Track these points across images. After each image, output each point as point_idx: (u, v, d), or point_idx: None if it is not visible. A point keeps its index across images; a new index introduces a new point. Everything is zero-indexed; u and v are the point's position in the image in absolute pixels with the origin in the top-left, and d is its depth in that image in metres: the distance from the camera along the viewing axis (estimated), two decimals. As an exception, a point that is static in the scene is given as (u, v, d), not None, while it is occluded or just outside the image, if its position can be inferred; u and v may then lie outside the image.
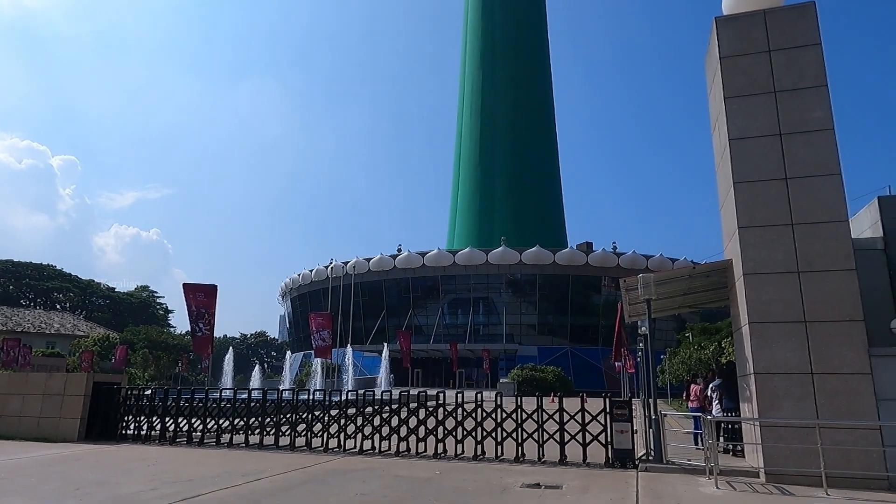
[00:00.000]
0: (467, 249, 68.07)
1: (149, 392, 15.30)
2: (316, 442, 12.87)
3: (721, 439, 11.60)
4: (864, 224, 11.65)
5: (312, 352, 33.32)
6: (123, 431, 14.37)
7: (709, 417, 10.15)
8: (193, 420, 14.01)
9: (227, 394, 15.08)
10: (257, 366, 55.85)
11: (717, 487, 8.79)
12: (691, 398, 14.52)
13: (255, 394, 14.60)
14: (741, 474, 9.74)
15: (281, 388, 21.04)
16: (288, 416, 13.56)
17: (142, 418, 14.38)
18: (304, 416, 13.43)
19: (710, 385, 13.16)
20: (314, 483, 9.07)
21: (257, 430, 13.55)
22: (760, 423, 9.50)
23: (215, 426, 13.86)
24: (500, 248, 65.67)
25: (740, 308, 10.35)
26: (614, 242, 74.70)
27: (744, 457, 11.36)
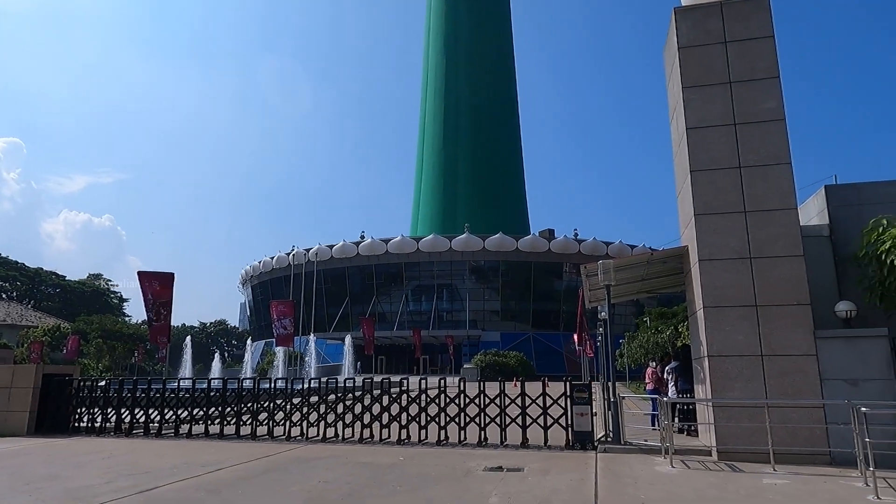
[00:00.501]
0: (431, 236, 68.06)
1: (103, 383, 14.84)
2: (278, 431, 12.74)
3: (676, 420, 11.98)
4: (812, 212, 12.11)
5: (274, 340, 32.89)
6: (76, 424, 13.93)
7: (664, 399, 10.46)
8: (151, 411, 13.68)
9: (186, 383, 14.76)
10: (217, 355, 54.80)
11: (672, 466, 9.09)
12: (647, 380, 14.97)
13: (214, 383, 14.33)
14: (695, 453, 10.10)
15: (241, 376, 20.72)
16: (249, 405, 13.37)
17: (96, 410, 13.96)
18: (265, 405, 13.27)
19: (666, 367, 13.58)
20: (276, 472, 8.99)
21: (217, 420, 13.33)
22: (713, 403, 9.84)
23: (174, 417, 13.57)
24: (463, 235, 65.89)
25: (695, 293, 10.66)
26: (575, 229, 75.95)
27: (698, 436, 11.78)
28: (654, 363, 15.12)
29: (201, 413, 13.45)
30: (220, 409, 13.40)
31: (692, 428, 12.26)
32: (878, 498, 7.02)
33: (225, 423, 13.15)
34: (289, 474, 8.80)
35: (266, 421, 12.90)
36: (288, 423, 12.65)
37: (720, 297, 10.08)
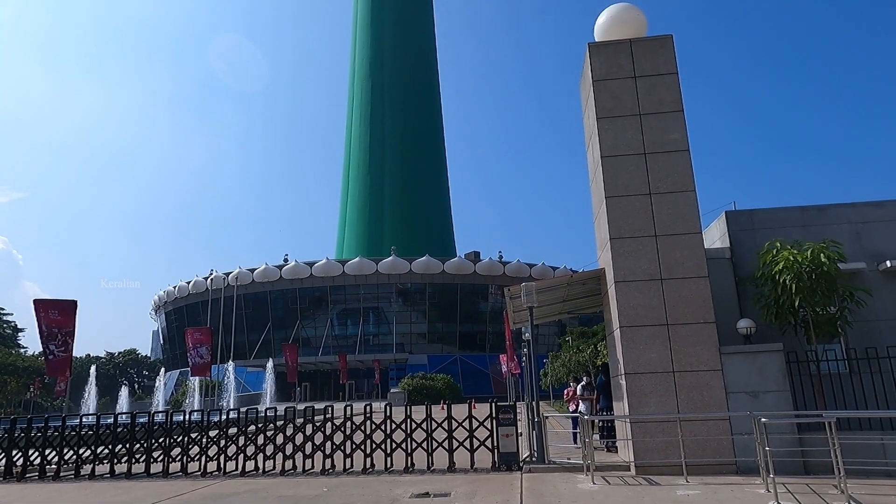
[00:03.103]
0: (357, 259, 67.34)
1: (-9, 423, 13.46)
2: (192, 467, 12.03)
3: (597, 437, 12.36)
4: (714, 236, 13.02)
5: (189, 369, 31.19)
6: (-42, 470, 12.52)
7: (587, 417, 10.78)
8: (48, 451, 12.53)
9: (90, 419, 13.65)
10: (125, 387, 51.15)
11: (594, 483, 9.35)
12: (567, 399, 15.43)
13: (122, 418, 13.35)
14: (615, 469, 10.44)
15: (153, 409, 19.45)
16: (160, 440, 12.55)
17: (-18, 453, 12.62)
18: (178, 440, 12.50)
19: (579, 385, 14.10)
20: (190, 511, 8.46)
21: (125, 458, 12.40)
22: (630, 419, 10.25)
23: (74, 457, 12.50)
24: (389, 258, 65.64)
25: (612, 313, 11.13)
26: (500, 252, 77.61)
27: (618, 452, 12.19)
28: (574, 384, 15.62)
29: (106, 451, 12.47)
30: (127, 445, 12.48)
31: (613, 444, 12.68)
32: (779, 503, 7.52)
33: (133, 460, 12.26)
34: (204, 513, 8.31)
35: (179, 457, 12.14)
36: (203, 457, 11.97)
37: (634, 316, 10.58)
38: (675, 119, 11.34)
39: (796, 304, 10.16)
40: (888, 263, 11.37)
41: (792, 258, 10.24)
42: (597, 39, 12.44)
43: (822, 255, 10.15)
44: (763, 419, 8.34)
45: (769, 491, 7.92)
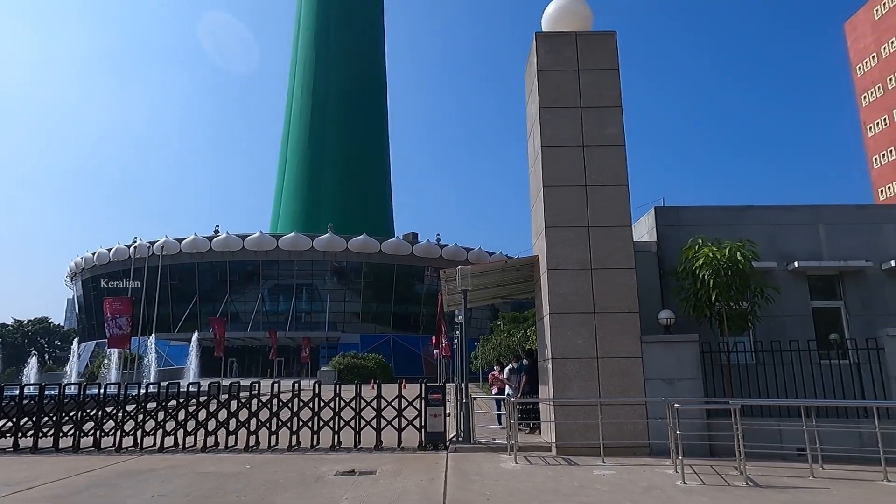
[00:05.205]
0: (292, 234, 65.84)
1: None
2: (107, 442, 11.51)
3: (518, 418, 12.74)
4: (643, 230, 13.57)
5: (107, 341, 29.67)
6: None
7: (512, 400, 11.08)
8: (-58, 423, 11.65)
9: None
10: (34, 357, 48.09)
11: (516, 462, 9.65)
12: (490, 382, 15.87)
13: (29, 389, 12.57)
14: (537, 449, 10.81)
15: (64, 381, 18.43)
16: (71, 413, 11.92)
17: None
18: (92, 414, 11.92)
19: (507, 368, 14.49)
20: (101, 487, 8.12)
21: (31, 433, 11.70)
22: (553, 402, 10.62)
23: (-27, 430, 11.68)
24: (326, 235, 64.56)
25: (543, 299, 11.43)
26: (438, 234, 77.95)
27: (541, 434, 12.61)
28: (498, 368, 16.09)
29: (10, 424, 11.73)
30: (34, 419, 11.78)
31: (537, 426, 13.11)
32: (685, 483, 8.03)
33: (40, 434, 11.60)
34: (117, 490, 7.99)
35: (92, 431, 11.59)
36: (119, 432, 11.48)
37: (564, 304, 10.91)
38: (613, 114, 11.66)
39: (713, 298, 10.78)
40: (796, 264, 12.24)
41: (711, 255, 10.83)
42: (544, 29, 12.57)
43: (738, 253, 10.80)
44: (676, 405, 8.85)
45: (677, 472, 8.43)
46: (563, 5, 12.41)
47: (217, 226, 77.32)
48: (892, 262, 12.23)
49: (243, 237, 63.92)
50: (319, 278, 65.72)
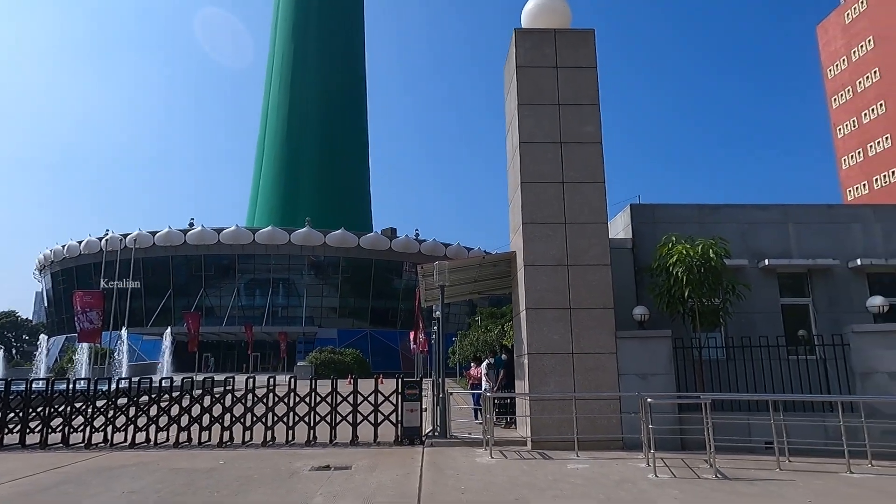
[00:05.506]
0: (269, 228, 65.10)
1: None
2: (76, 438, 11.28)
3: (495, 413, 12.82)
4: (619, 227, 13.72)
5: (77, 335, 29.06)
6: None
7: (488, 395, 11.14)
8: None
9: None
10: (1, 351, 46.83)
11: (492, 457, 9.71)
12: (468, 378, 15.94)
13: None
14: (513, 444, 10.89)
15: (32, 377, 18.00)
16: (39, 409, 11.64)
17: None
18: (60, 409, 11.66)
19: (484, 363, 14.58)
20: (70, 484, 7.96)
21: (-4, 428, 11.40)
22: (529, 397, 10.70)
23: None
24: (304, 229, 63.97)
25: (520, 295, 11.49)
26: (417, 230, 77.70)
27: (517, 428, 12.70)
28: (475, 364, 16.18)
29: (-26, 420, 11.41)
30: (0, 415, 11.49)
31: (513, 420, 13.20)
32: (657, 476, 8.17)
33: (6, 431, 11.32)
34: (85, 486, 7.84)
35: (61, 427, 11.35)
36: (89, 428, 11.26)
37: (540, 299, 10.99)
38: (591, 112, 11.75)
39: (686, 294, 10.96)
40: (767, 262, 12.50)
41: (685, 252, 11.00)
42: (524, 26, 12.60)
43: (711, 251, 10.99)
44: (649, 399, 8.98)
45: (649, 465, 8.56)
46: (542, 3, 12.44)
47: (192, 219, 76.08)
48: (859, 261, 12.57)
49: (219, 230, 63.00)
50: (296, 273, 65.13)
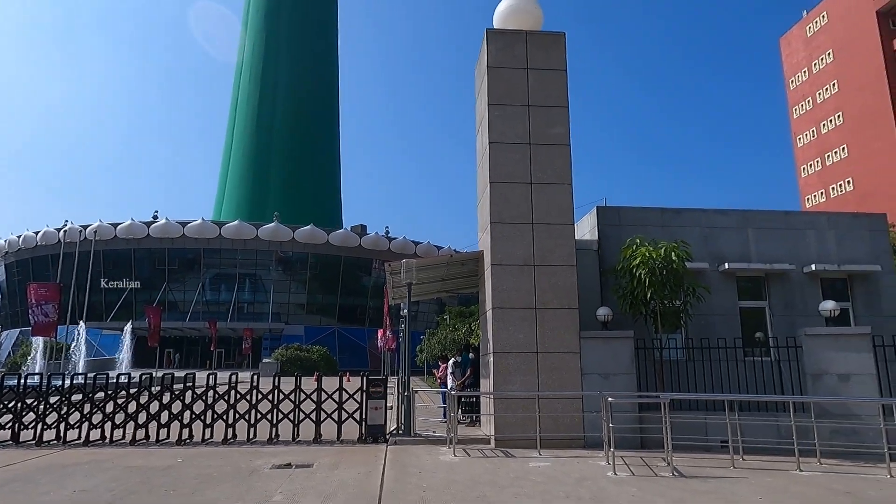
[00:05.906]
0: (236, 222, 63.96)
1: None
2: (26, 435, 10.91)
3: (460, 412, 12.87)
4: (585, 228, 13.91)
5: (31, 328, 28.08)
6: None
7: (454, 393, 11.16)
8: None
9: None
10: (-51, 345, 44.97)
11: (455, 455, 9.74)
12: (437, 377, 15.95)
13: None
14: (476, 442, 10.94)
15: (-18, 372, 17.29)
16: (-12, 405, 11.21)
17: None
18: (9, 406, 11.26)
19: (450, 361, 14.63)
20: (18, 482, 7.69)
21: (-59, 425, 10.95)
22: (493, 395, 10.77)
23: None
24: (272, 224, 63.06)
25: (487, 294, 11.55)
26: (387, 227, 77.46)
27: (481, 427, 12.77)
28: (442, 362, 16.24)
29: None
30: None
31: (477, 419, 13.26)
32: (616, 474, 8.32)
33: (-48, 427, 10.87)
34: (35, 485, 7.59)
35: (10, 424, 10.96)
36: (40, 425, 10.90)
37: (507, 299, 11.07)
38: (560, 114, 11.88)
39: (648, 296, 11.17)
40: (726, 265, 12.84)
41: (648, 254, 11.21)
42: (495, 26, 12.66)
43: (673, 253, 11.22)
44: (610, 399, 9.14)
45: (609, 463, 8.71)
46: (514, 4, 12.52)
47: (156, 211, 74.48)
48: (813, 266, 13.01)
49: (184, 224, 61.60)
50: (263, 268, 64.16)
